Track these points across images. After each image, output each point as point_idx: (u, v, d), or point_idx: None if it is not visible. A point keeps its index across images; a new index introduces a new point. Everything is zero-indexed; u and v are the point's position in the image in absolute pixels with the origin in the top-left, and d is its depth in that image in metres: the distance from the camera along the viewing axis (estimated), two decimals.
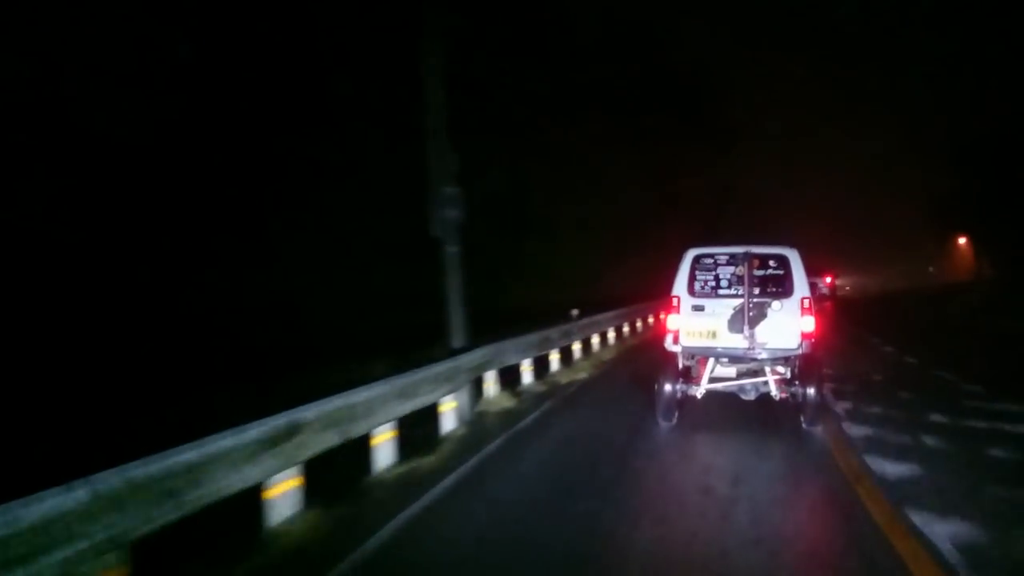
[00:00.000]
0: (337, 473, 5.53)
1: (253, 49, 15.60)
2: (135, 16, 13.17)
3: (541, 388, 10.45)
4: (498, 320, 13.77)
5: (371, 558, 4.18)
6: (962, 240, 55.19)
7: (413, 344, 11.19)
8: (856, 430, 7.17)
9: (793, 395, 7.38)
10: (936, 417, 7.69)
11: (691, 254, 7.69)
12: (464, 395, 8.05)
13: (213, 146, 14.52)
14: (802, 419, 7.28)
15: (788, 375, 7.55)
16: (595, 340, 15.05)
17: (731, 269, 7.47)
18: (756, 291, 7.28)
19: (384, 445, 6.09)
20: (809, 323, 7.13)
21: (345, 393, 5.49)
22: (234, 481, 4.09)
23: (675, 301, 7.54)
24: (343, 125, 17.86)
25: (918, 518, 4.49)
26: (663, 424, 7.51)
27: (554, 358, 12.05)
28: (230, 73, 15.23)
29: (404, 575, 4.10)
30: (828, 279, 27.78)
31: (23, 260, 10.64)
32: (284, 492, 4.70)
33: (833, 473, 5.77)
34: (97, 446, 5.03)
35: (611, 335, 16.60)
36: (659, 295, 18.86)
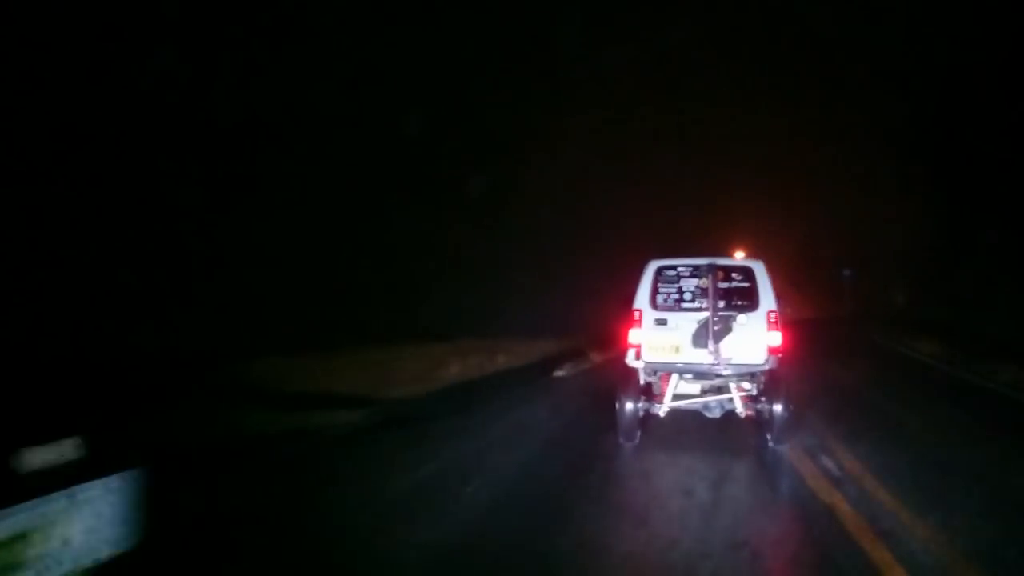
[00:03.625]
0: None
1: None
2: None
3: None
4: None
5: None
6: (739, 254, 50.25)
7: None
8: None
9: (759, 412, 7.07)
10: None
11: (653, 266, 7.36)
12: None
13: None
14: (768, 437, 6.97)
15: (754, 391, 7.25)
16: None
17: (695, 281, 7.15)
18: (721, 304, 6.95)
19: None
20: (776, 338, 6.84)
21: None
22: None
23: (637, 315, 7.17)
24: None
25: None
26: (625, 445, 7.09)
27: None
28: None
29: None
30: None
31: None
32: None
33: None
34: None
35: None
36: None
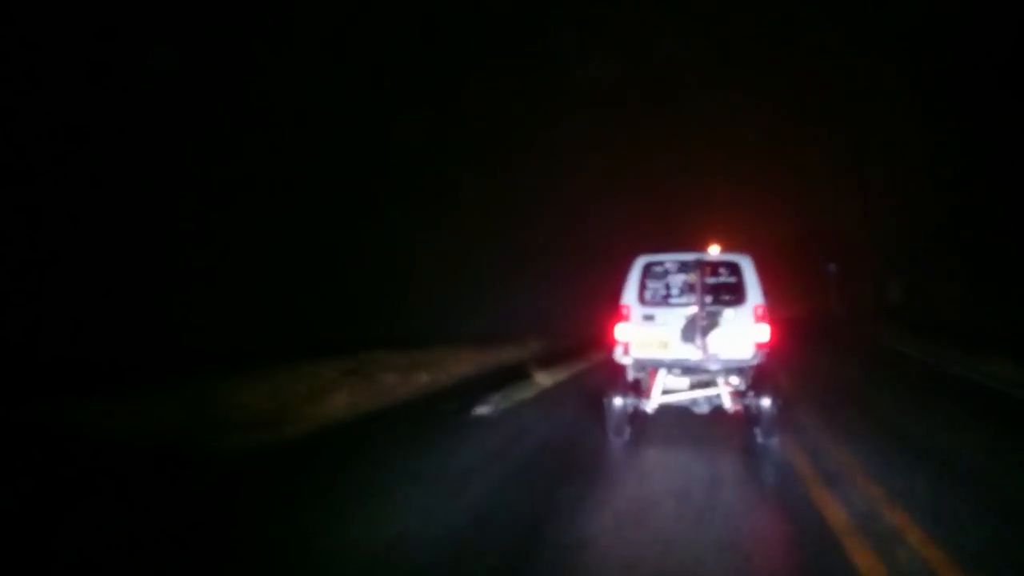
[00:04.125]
0: None
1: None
2: None
3: None
4: None
5: None
6: (714, 248, 47.91)
7: None
8: None
9: (747, 407, 7.10)
10: None
11: (641, 261, 7.37)
12: None
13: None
14: (756, 432, 7.00)
15: (742, 387, 7.28)
16: None
17: (682, 277, 7.18)
18: (708, 299, 6.99)
19: None
20: (763, 332, 6.86)
21: None
22: None
23: (625, 310, 7.19)
24: None
25: None
26: (615, 441, 7.13)
27: None
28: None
29: None
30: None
31: None
32: None
33: None
34: None
35: None
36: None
